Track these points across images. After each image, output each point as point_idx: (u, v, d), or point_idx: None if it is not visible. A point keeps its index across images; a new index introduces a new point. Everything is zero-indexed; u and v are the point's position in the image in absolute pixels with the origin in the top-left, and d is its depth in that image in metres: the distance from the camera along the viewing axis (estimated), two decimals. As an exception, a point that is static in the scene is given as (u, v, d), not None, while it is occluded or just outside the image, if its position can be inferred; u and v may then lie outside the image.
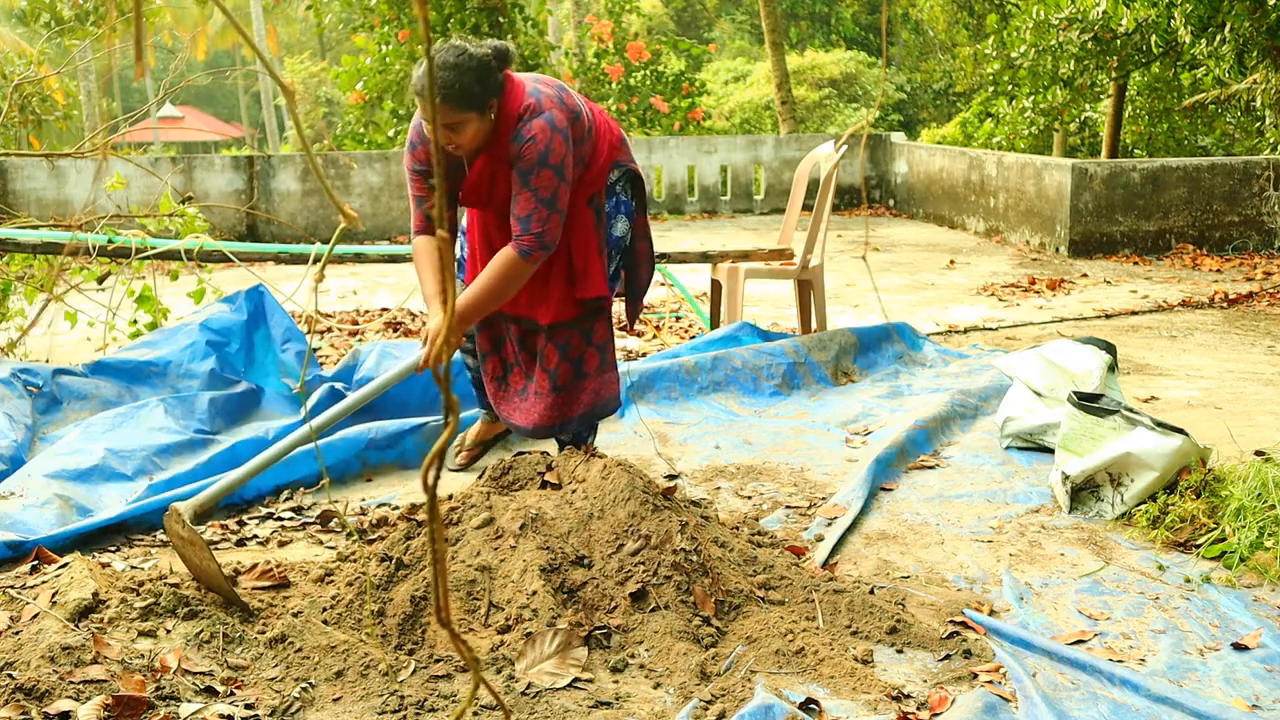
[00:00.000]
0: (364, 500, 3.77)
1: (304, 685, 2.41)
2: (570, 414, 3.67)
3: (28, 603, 2.70)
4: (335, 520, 3.51)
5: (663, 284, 7.53)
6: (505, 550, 2.80)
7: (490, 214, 3.58)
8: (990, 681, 2.49)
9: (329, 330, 6.52)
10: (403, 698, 2.38)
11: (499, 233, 3.56)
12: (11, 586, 2.87)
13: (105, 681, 2.36)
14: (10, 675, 2.33)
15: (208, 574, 2.81)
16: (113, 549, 3.33)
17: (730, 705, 2.36)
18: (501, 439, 4.20)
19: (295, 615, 2.68)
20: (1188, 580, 3.03)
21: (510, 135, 3.29)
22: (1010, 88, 12.27)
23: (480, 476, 3.32)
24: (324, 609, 2.75)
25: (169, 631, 2.64)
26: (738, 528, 3.36)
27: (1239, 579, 3.02)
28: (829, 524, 3.44)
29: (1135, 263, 9.02)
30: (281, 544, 3.39)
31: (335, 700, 2.39)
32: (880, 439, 4.23)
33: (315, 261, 5.16)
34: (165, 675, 2.41)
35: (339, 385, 4.38)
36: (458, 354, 3.96)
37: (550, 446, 3.94)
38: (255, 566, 2.99)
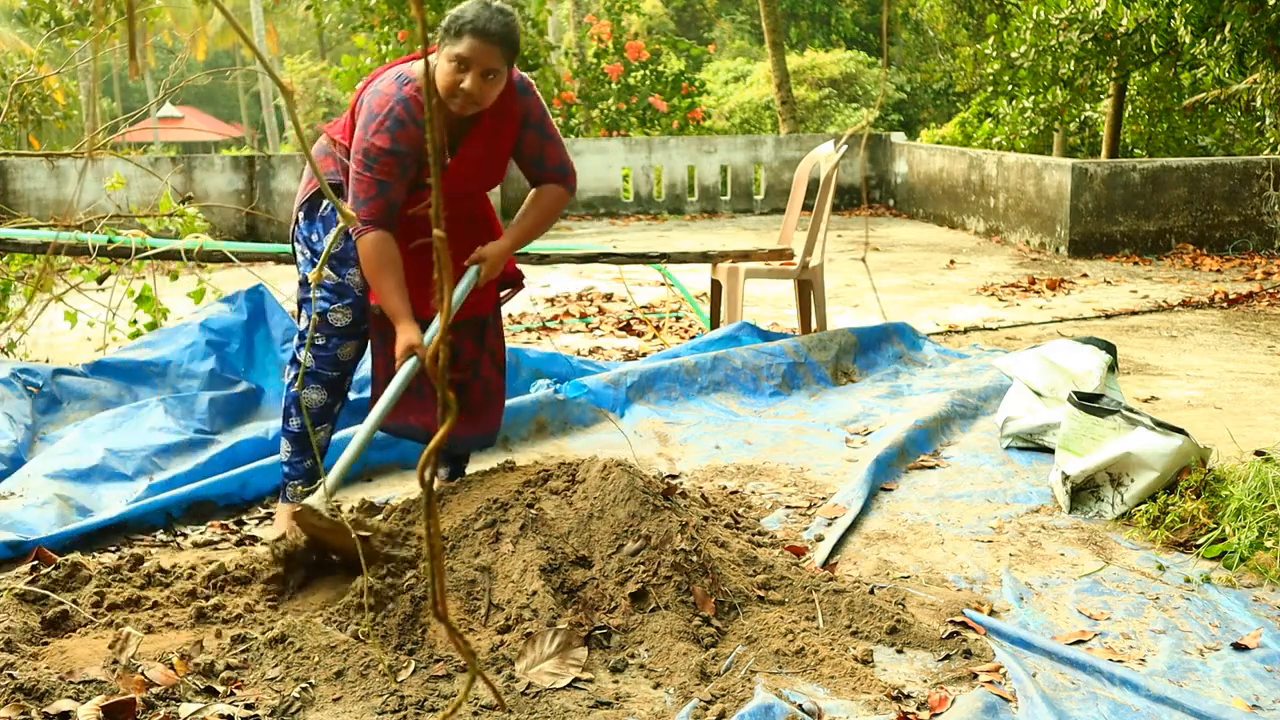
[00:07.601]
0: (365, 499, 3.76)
1: (304, 685, 2.41)
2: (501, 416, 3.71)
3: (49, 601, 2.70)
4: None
5: (663, 284, 7.53)
6: (505, 550, 2.80)
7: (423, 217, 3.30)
8: (990, 681, 2.48)
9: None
10: (403, 698, 2.37)
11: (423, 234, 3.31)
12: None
13: (105, 682, 2.36)
14: (10, 675, 2.33)
15: (352, 553, 2.82)
16: (112, 549, 3.33)
17: (730, 705, 2.36)
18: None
19: (295, 614, 2.68)
20: (1188, 580, 3.03)
21: (512, 94, 3.25)
22: (1010, 88, 12.27)
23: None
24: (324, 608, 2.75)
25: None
26: (738, 528, 3.36)
27: (1239, 579, 3.01)
28: (829, 524, 3.44)
29: (1135, 263, 9.02)
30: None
31: (335, 700, 2.39)
32: (880, 439, 4.23)
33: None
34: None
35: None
36: (316, 397, 3.44)
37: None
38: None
